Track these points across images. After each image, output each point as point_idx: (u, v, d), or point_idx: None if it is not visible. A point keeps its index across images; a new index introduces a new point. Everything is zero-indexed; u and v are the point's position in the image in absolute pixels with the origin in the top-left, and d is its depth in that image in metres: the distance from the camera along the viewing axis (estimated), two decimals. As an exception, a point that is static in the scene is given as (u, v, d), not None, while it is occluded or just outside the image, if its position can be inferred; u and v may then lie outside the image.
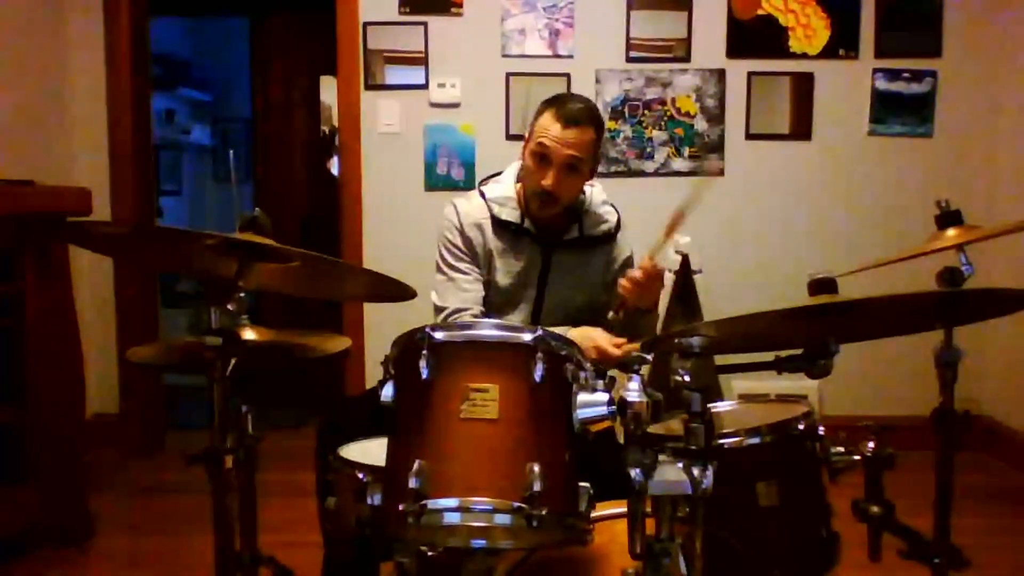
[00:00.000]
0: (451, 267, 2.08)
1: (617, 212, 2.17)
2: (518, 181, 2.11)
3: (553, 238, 2.07)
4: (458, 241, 2.08)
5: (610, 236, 2.11)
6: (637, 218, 3.62)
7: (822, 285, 1.39)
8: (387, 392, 1.27)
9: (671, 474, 1.18)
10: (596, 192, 2.15)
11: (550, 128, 1.94)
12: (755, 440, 1.44)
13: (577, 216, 2.09)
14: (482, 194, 2.11)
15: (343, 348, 1.70)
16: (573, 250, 2.08)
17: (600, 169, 3.67)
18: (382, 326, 3.38)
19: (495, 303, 2.08)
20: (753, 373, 1.49)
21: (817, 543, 1.47)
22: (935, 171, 3.70)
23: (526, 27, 3.65)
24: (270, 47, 5.84)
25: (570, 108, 1.95)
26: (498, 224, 2.06)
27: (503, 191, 2.09)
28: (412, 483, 1.14)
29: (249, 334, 1.57)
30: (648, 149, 3.71)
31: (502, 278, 2.07)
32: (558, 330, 1.38)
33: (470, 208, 2.09)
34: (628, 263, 2.14)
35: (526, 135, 2.06)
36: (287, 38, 5.73)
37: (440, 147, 3.68)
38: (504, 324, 1.26)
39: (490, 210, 2.07)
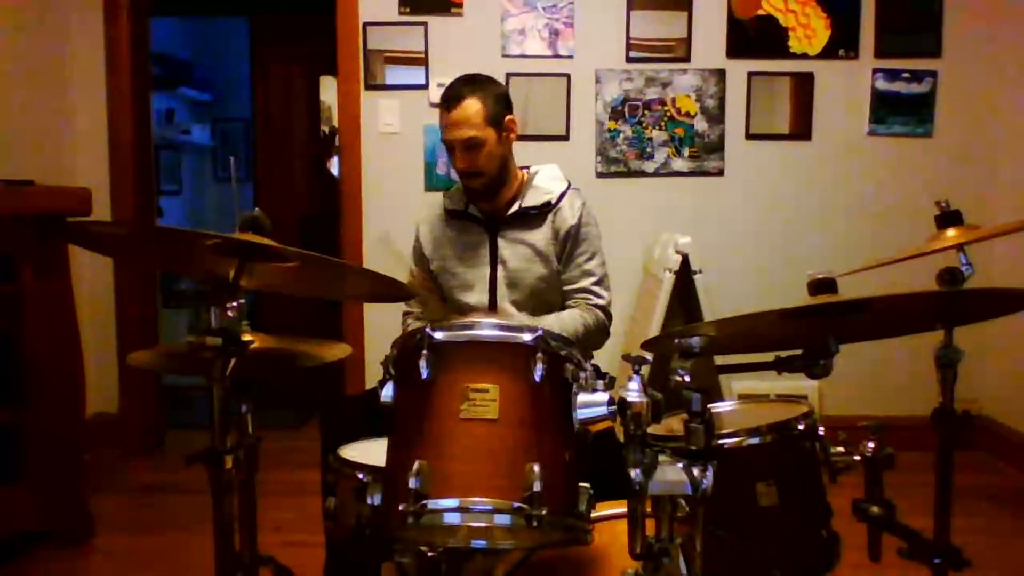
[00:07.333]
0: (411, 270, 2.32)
1: (568, 185, 2.22)
2: None
3: (497, 217, 2.18)
4: (414, 248, 2.29)
5: (549, 206, 2.17)
6: (636, 218, 3.67)
7: (822, 285, 1.39)
8: (387, 392, 1.27)
9: (671, 474, 1.18)
10: (547, 169, 2.24)
11: (441, 119, 2.10)
12: (755, 440, 1.44)
13: (520, 193, 2.18)
14: (443, 193, 2.31)
15: (343, 356, 1.68)
16: (515, 224, 2.17)
17: (600, 169, 3.75)
18: (382, 326, 3.37)
19: (455, 287, 2.19)
20: (753, 373, 1.49)
21: (817, 543, 1.47)
22: (935, 171, 3.70)
23: (526, 27, 3.65)
24: (270, 47, 5.84)
25: (448, 93, 2.09)
26: (449, 215, 2.24)
27: (456, 186, 2.27)
28: (412, 483, 1.14)
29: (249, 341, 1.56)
30: (648, 149, 3.71)
31: (457, 263, 2.20)
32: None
33: (431, 209, 2.29)
34: (575, 234, 2.16)
35: None
36: (287, 38, 5.73)
37: (440, 147, 3.67)
38: (504, 324, 1.26)
39: (444, 205, 2.25)
